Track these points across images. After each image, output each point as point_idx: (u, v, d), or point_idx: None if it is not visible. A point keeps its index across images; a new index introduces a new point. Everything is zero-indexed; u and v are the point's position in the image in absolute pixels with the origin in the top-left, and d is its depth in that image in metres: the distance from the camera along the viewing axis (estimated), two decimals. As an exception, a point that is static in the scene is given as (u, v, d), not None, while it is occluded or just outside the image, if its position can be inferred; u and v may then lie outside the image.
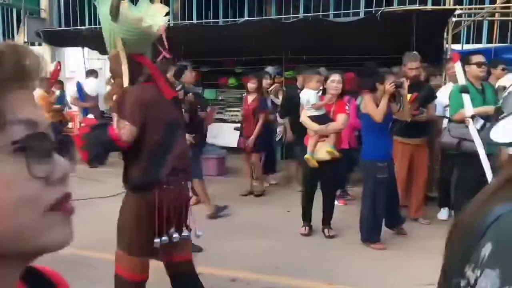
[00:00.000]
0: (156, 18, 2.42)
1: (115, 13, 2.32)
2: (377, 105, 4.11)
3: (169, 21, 11.80)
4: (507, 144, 0.79)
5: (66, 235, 0.53)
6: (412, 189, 5.05)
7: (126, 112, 2.36)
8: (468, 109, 3.99)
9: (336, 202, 5.62)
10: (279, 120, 6.95)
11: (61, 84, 8.48)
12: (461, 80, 4.10)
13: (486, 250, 0.67)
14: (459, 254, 0.75)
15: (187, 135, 4.93)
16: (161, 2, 2.68)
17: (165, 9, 2.51)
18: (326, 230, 4.62)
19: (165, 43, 2.51)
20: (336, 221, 4.75)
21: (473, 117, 3.89)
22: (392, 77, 4.14)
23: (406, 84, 4.31)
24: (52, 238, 0.51)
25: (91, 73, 8.49)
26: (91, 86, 8.27)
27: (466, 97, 4.01)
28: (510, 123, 0.81)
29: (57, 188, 0.52)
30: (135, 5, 2.49)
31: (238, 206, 5.55)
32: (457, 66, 4.14)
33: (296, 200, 5.01)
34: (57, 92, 8.01)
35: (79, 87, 8.28)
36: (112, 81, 2.54)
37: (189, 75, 5.30)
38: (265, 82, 6.70)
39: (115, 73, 2.47)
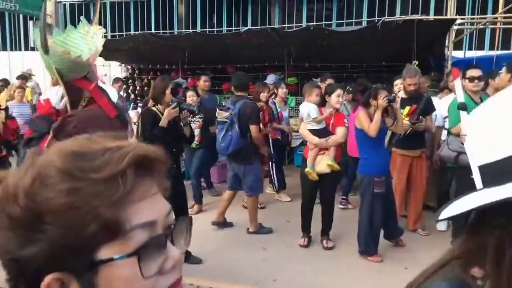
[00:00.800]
0: (95, 41, 2.59)
1: (44, 48, 2.51)
2: (372, 120, 4.15)
3: (172, 28, 11.83)
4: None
5: None
6: (410, 201, 5.09)
7: (66, 137, 2.59)
8: (464, 126, 4.01)
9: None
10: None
11: None
12: (460, 97, 4.12)
13: None
14: None
15: (264, 147, 5.02)
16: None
17: (102, 30, 2.70)
18: (324, 241, 4.67)
19: (96, 72, 2.70)
20: (335, 231, 4.80)
21: (469, 134, 3.91)
22: (385, 92, 4.19)
23: (399, 98, 4.33)
24: None
25: (116, 81, 7.91)
26: (113, 95, 8.21)
27: (463, 114, 4.04)
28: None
29: (169, 276, 0.55)
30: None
31: (238, 215, 5.54)
32: (457, 83, 4.16)
33: (295, 210, 5.05)
34: None
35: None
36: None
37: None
38: (281, 91, 6.62)
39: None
